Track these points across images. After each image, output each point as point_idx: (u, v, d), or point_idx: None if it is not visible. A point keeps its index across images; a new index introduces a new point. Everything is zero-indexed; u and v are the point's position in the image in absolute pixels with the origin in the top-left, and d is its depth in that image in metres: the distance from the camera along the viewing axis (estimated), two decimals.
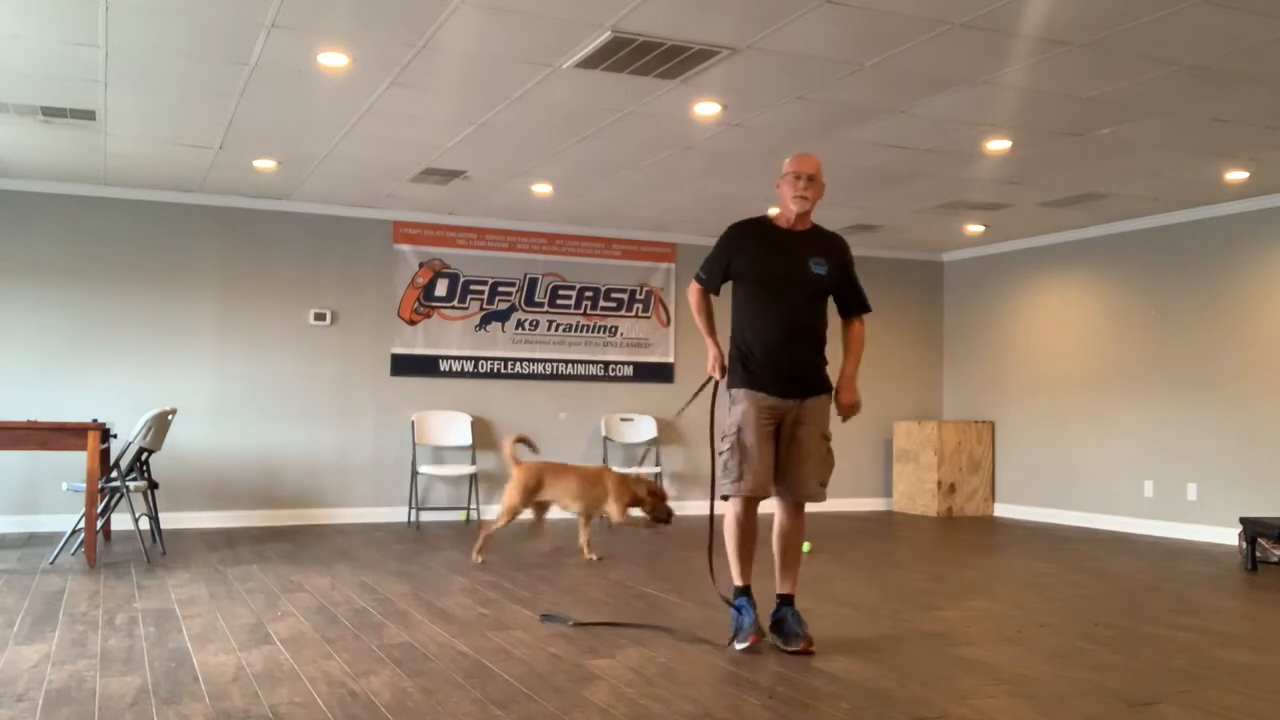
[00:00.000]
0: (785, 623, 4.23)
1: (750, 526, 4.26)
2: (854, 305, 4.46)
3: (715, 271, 4.37)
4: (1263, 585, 6.19)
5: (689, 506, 9.63)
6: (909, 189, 7.77)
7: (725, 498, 4.25)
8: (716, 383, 4.39)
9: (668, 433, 9.66)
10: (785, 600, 4.28)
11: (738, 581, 4.30)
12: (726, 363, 4.35)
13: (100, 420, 6.87)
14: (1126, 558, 7.21)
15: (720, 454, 4.24)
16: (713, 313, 4.44)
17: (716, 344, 4.38)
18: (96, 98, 5.77)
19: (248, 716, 3.24)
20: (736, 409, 4.22)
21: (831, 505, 9.26)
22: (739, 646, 4.17)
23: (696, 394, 4.62)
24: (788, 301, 4.24)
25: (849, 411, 4.36)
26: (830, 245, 4.35)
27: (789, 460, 4.24)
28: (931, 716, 3.35)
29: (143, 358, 8.20)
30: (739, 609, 4.25)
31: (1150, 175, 7.20)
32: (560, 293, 9.47)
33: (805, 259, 4.27)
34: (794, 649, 4.14)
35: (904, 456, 10.23)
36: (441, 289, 9.09)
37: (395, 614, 4.87)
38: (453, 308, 9.12)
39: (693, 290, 4.47)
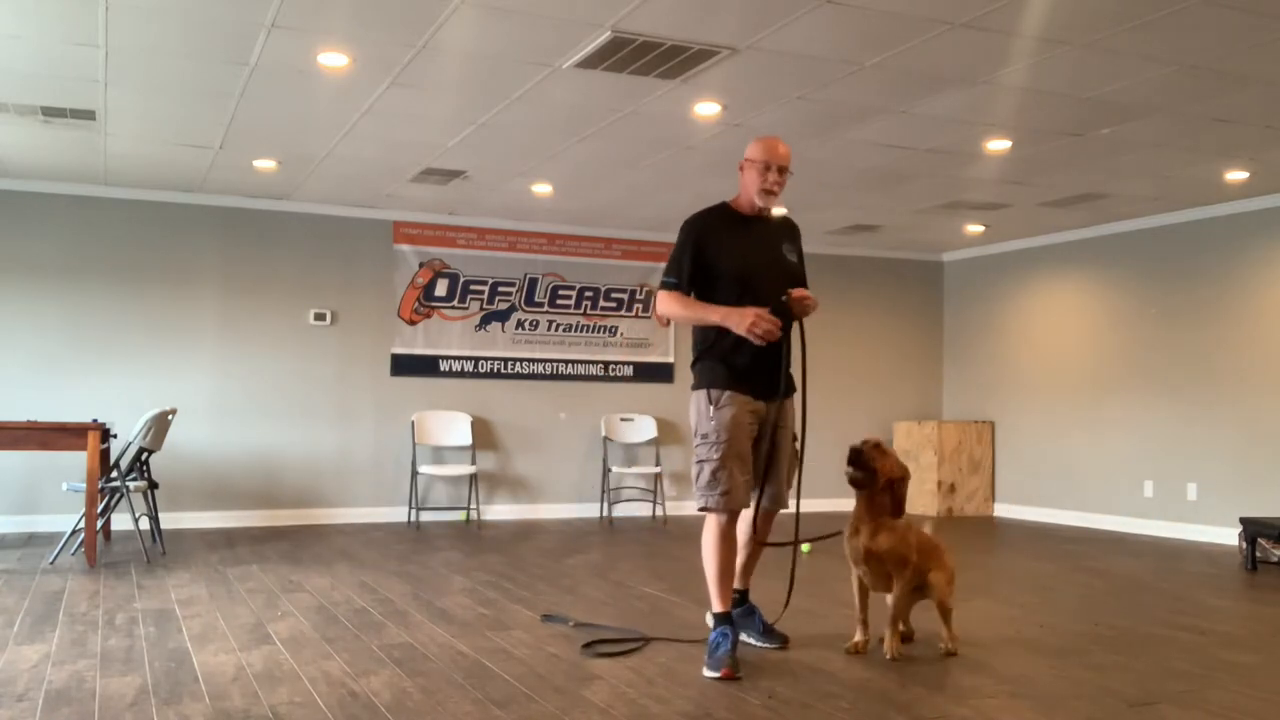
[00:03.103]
0: (755, 619, 4.17)
1: (735, 540, 3.98)
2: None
3: (683, 269, 3.95)
4: (1263, 585, 6.18)
5: (688, 507, 9.64)
6: (909, 189, 7.77)
7: (706, 510, 3.91)
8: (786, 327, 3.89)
9: (668, 433, 9.66)
10: (744, 595, 4.21)
11: (718, 608, 3.93)
12: (699, 362, 4.02)
13: (100, 420, 6.87)
14: (1126, 558, 7.21)
15: (705, 462, 3.89)
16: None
17: (724, 307, 3.85)
18: (96, 98, 5.77)
19: (248, 716, 3.24)
20: (723, 413, 3.88)
21: (831, 505, 9.29)
22: (710, 674, 3.76)
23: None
24: (767, 293, 3.92)
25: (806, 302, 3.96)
26: (794, 231, 4.19)
27: (771, 466, 4.03)
28: (931, 716, 3.35)
29: (143, 358, 8.20)
30: (724, 635, 3.86)
31: (1150, 175, 7.20)
32: (560, 293, 9.47)
33: (779, 245, 4.07)
34: (777, 645, 4.14)
35: (904, 456, 10.22)
36: (441, 289, 9.09)
37: (395, 614, 4.87)
38: (453, 308, 9.12)
39: (663, 298, 3.98)
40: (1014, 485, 10.00)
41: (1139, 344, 8.83)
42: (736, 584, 4.14)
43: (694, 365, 4.07)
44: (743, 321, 3.78)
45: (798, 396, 4.15)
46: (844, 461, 4.02)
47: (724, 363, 3.93)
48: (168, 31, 4.75)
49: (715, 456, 3.87)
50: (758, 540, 4.19)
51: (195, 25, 4.67)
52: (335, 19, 4.58)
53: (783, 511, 4.18)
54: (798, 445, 4.15)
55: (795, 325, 4.05)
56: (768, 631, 4.21)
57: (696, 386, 4.02)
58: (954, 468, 9.94)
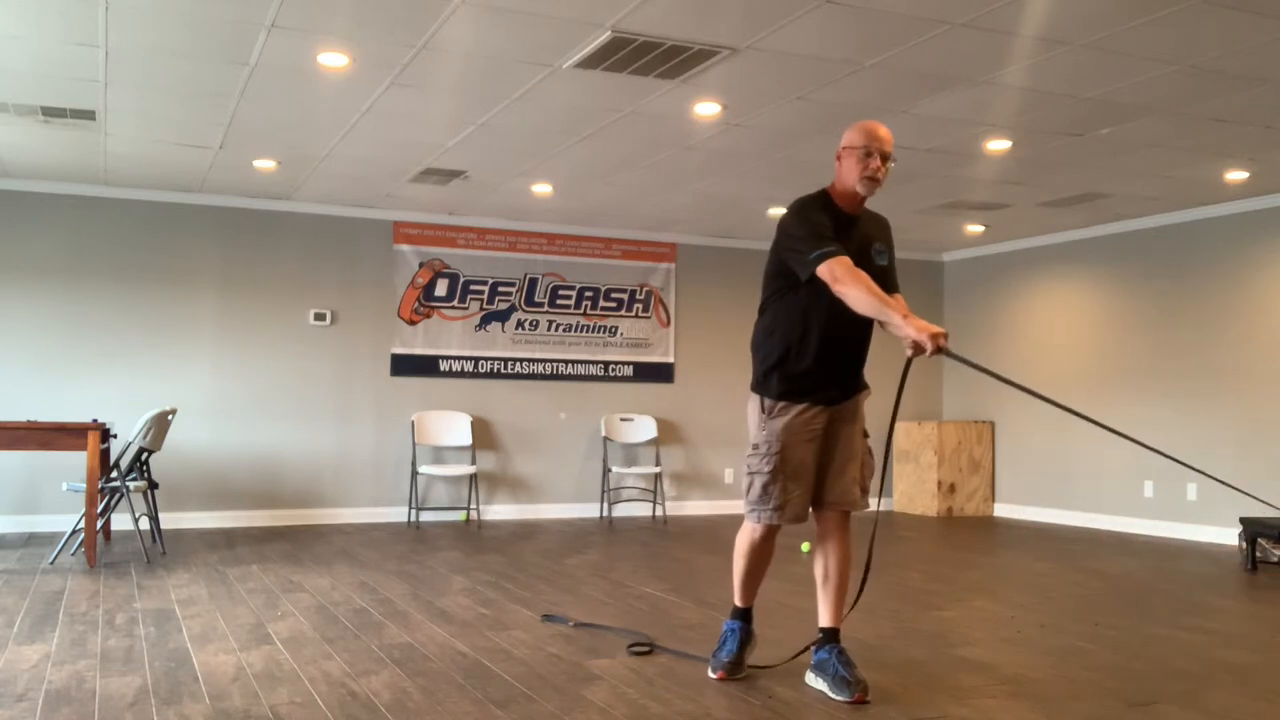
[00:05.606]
0: (830, 665, 3.60)
1: (770, 552, 3.77)
2: (894, 284, 3.80)
3: (828, 236, 3.54)
4: (1263, 585, 6.18)
5: (689, 507, 9.64)
6: (909, 189, 7.77)
7: (757, 521, 3.68)
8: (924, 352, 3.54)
9: (668, 433, 9.66)
10: (829, 635, 3.68)
11: (739, 602, 3.84)
12: (760, 367, 3.72)
13: (100, 420, 6.88)
14: (1126, 558, 7.21)
15: (756, 474, 3.65)
16: None
17: (904, 307, 3.53)
18: (96, 98, 5.77)
19: (248, 716, 3.24)
20: (777, 423, 3.63)
21: None
22: (710, 673, 3.79)
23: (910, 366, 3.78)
24: None
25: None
26: (885, 229, 3.82)
27: (830, 465, 3.70)
28: (931, 716, 3.35)
29: (143, 358, 8.20)
30: (732, 630, 3.82)
31: (1150, 175, 7.20)
32: (560, 293, 9.46)
33: (869, 246, 3.70)
34: (844, 698, 3.49)
35: (904, 457, 10.23)
36: (441, 289, 9.09)
37: (395, 614, 4.87)
38: (453, 308, 9.12)
39: (838, 268, 3.45)
40: (1014, 485, 10.00)
41: (1139, 344, 8.83)
42: (823, 621, 3.73)
43: (755, 368, 3.78)
44: (923, 334, 3.43)
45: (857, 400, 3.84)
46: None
47: (782, 369, 3.66)
48: (168, 31, 4.75)
49: (766, 469, 3.63)
50: (834, 553, 3.75)
51: (195, 25, 4.67)
52: (335, 19, 4.58)
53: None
54: (869, 445, 3.80)
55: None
56: (839, 680, 3.57)
57: (753, 389, 3.75)
58: (954, 468, 9.94)
